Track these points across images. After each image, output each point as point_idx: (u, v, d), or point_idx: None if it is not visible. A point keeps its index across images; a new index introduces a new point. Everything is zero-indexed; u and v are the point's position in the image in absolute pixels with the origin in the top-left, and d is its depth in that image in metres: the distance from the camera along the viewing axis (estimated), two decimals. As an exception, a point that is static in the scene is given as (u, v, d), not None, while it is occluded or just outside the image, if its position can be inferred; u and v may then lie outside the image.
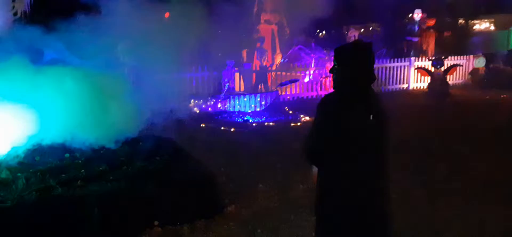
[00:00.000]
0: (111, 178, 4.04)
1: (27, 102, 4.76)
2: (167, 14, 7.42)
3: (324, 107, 2.36)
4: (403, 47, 15.33)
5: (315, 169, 2.49)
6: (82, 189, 3.84)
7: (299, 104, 10.53)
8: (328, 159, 2.35)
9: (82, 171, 4.20)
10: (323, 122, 2.35)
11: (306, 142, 2.43)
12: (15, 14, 11.03)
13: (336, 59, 2.39)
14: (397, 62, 13.24)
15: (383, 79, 12.92)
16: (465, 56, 14.12)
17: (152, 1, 5.69)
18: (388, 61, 13.16)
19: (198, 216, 4.13)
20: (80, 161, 4.52)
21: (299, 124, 8.81)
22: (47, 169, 4.14)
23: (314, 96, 11.55)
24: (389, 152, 2.37)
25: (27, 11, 10.94)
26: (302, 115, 9.29)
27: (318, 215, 2.48)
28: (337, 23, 15.91)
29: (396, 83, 13.17)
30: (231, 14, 9.42)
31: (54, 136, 5.02)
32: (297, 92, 11.56)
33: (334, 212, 2.36)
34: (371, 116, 2.31)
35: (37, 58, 5.28)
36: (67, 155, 4.74)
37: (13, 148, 4.64)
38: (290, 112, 9.75)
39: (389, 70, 13.07)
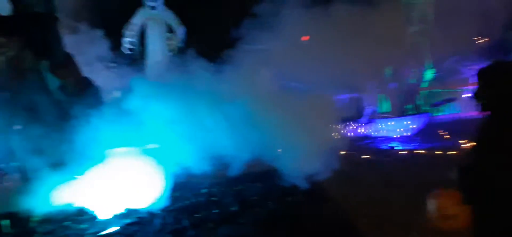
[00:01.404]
0: (241, 221, 3.86)
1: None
2: (306, 37, 7.20)
3: (483, 133, 2.30)
4: None
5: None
6: (213, 231, 3.74)
7: (457, 127, 9.01)
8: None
9: (215, 210, 4.14)
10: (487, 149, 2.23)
11: (463, 172, 2.27)
12: (171, 50, 12.47)
13: (481, 81, 2.31)
14: None
15: None
16: None
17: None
18: None
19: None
20: (215, 198, 4.51)
21: (458, 151, 7.46)
22: (183, 207, 4.21)
23: (477, 116, 9.78)
24: None
25: (182, 47, 12.26)
26: (461, 141, 7.88)
27: None
28: (505, 26, 13.39)
29: None
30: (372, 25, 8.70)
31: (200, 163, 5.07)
32: (454, 113, 10.00)
33: None
34: None
35: None
36: (204, 190, 4.80)
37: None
38: (446, 137, 8.41)
39: None
